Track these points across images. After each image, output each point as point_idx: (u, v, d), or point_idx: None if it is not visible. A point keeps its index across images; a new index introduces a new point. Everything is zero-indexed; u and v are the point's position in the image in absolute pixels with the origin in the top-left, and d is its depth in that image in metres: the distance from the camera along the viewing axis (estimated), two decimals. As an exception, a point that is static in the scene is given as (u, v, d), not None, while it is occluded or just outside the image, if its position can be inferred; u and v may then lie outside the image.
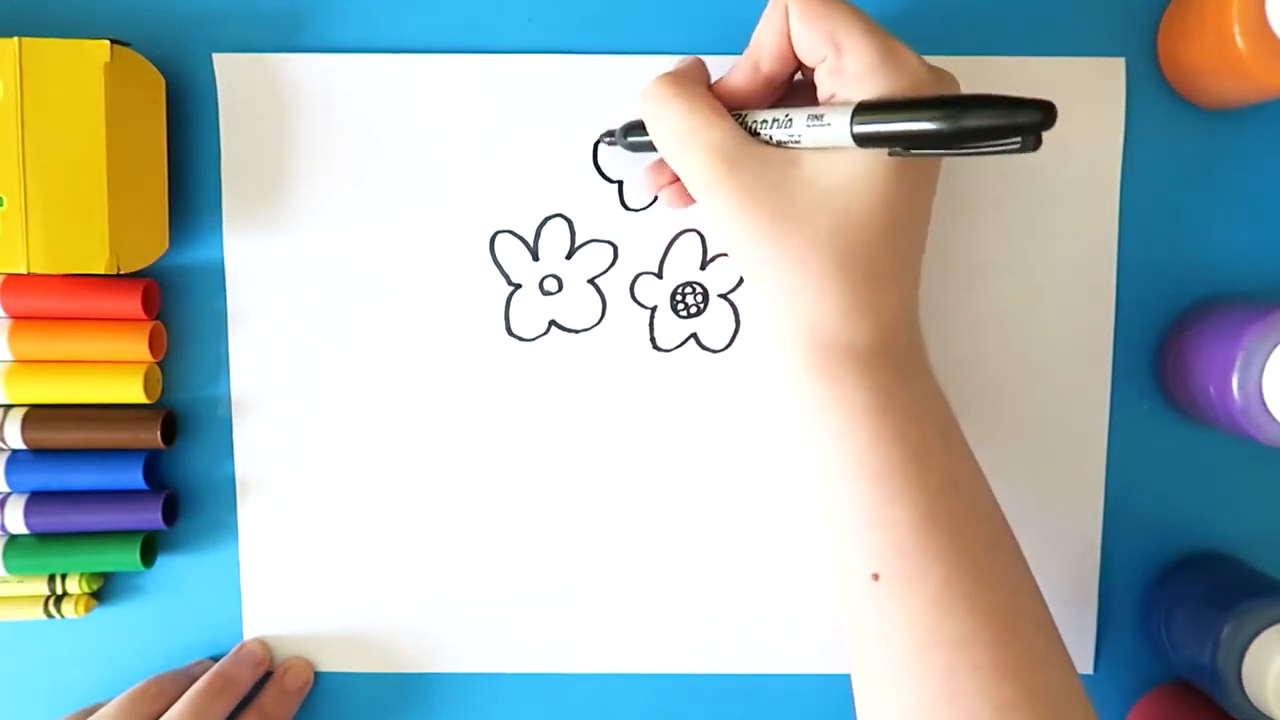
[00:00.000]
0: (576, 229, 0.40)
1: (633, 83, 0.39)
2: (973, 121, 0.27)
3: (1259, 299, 0.38)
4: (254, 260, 0.40)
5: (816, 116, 0.30)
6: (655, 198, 0.39)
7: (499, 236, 0.40)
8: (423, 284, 0.40)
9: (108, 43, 0.34)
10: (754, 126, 0.32)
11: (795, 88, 0.35)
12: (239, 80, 0.39)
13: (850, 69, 0.31)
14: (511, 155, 0.39)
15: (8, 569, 0.39)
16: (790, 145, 0.32)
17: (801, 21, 0.31)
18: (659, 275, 0.40)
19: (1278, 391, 0.33)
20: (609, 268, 0.40)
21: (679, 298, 0.40)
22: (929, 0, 0.39)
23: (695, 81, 0.34)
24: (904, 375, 0.32)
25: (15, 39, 0.34)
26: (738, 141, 0.32)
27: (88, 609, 0.40)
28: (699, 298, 0.40)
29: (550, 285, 0.40)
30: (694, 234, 0.39)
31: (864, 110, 0.29)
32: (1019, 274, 0.39)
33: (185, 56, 0.39)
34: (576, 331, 0.40)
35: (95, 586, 0.40)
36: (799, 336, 0.32)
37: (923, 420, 0.32)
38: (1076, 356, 0.39)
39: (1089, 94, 0.38)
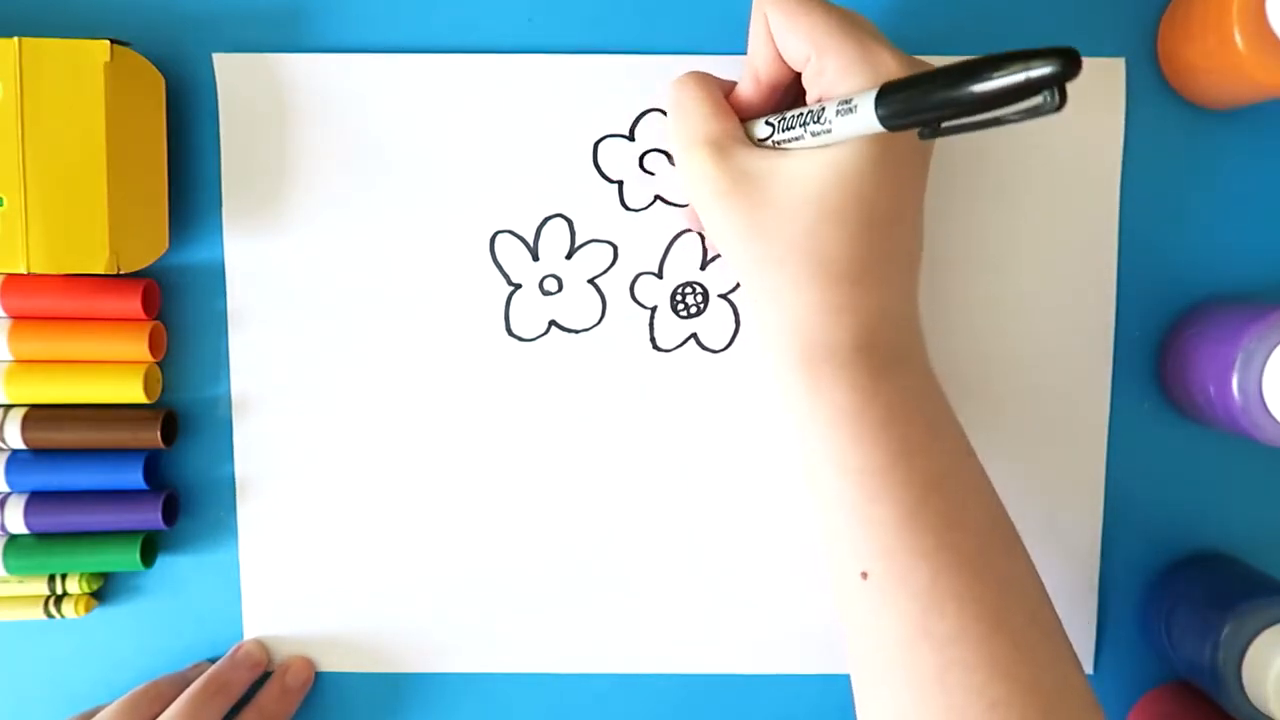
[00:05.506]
0: (576, 229, 0.39)
1: (632, 83, 0.39)
2: (993, 82, 0.25)
3: (1259, 299, 0.38)
4: (254, 260, 0.40)
5: (846, 103, 0.30)
6: (655, 198, 0.39)
7: (499, 236, 0.40)
8: (423, 284, 0.40)
9: (108, 43, 0.34)
10: (778, 124, 0.33)
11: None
12: (239, 80, 0.39)
13: (829, 69, 0.31)
14: (511, 155, 0.39)
15: (8, 569, 0.39)
16: (815, 138, 0.31)
17: (781, 25, 0.32)
18: (659, 275, 0.40)
19: (1278, 391, 0.33)
20: (609, 268, 0.40)
21: (679, 298, 0.40)
22: (928, 0, 0.39)
23: (715, 84, 0.35)
24: (888, 375, 0.32)
25: (15, 39, 0.34)
26: (731, 138, 0.33)
27: (88, 609, 0.40)
28: (699, 298, 0.40)
29: (550, 285, 0.40)
30: (694, 234, 0.39)
31: (889, 90, 0.29)
32: (1019, 273, 0.39)
33: (185, 56, 0.39)
34: (576, 331, 0.40)
35: (95, 586, 0.40)
36: (782, 336, 0.33)
37: (908, 420, 0.32)
38: (1076, 356, 0.39)
39: (1089, 94, 0.38)
